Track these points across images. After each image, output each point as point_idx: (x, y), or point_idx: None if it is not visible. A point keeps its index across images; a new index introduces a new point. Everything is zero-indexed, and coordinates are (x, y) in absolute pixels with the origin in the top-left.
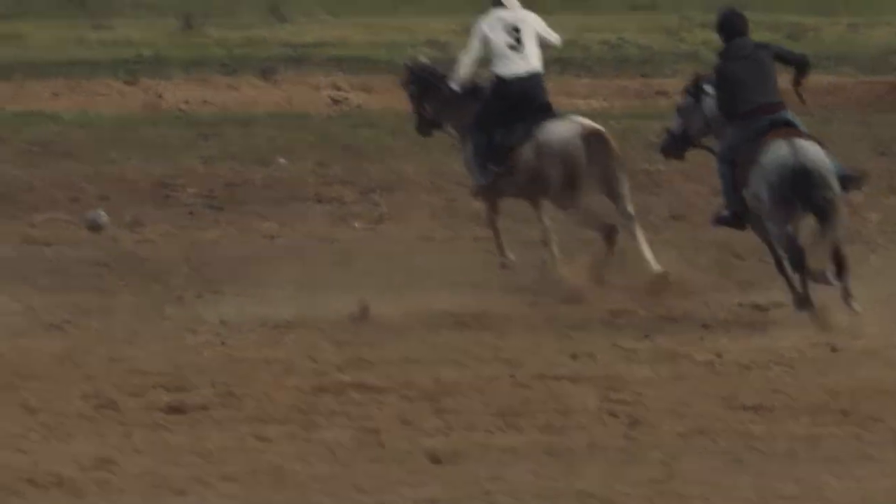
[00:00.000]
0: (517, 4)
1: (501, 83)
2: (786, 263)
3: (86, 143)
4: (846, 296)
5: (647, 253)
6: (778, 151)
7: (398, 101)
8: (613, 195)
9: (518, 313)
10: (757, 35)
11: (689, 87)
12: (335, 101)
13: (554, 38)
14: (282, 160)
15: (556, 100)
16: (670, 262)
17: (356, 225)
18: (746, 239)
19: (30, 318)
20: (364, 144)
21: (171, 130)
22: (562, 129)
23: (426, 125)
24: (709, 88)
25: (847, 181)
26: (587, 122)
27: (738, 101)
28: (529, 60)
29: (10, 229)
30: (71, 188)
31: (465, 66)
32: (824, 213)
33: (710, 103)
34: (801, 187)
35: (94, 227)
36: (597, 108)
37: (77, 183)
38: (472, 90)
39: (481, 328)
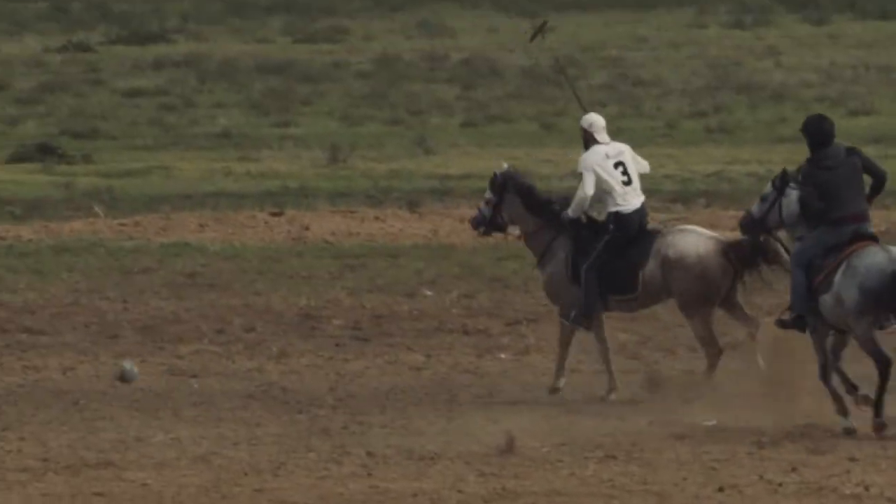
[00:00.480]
0: (608, 138)
1: (622, 217)
2: (829, 372)
3: (232, 274)
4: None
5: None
6: (875, 257)
7: None
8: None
9: (665, 445)
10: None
11: (775, 181)
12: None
13: (644, 165)
14: (428, 292)
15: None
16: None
17: (502, 356)
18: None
19: (176, 449)
20: (510, 276)
21: (317, 262)
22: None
23: (494, 228)
24: (793, 187)
25: None
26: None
27: (830, 208)
28: (639, 193)
29: (158, 360)
30: (217, 320)
31: (582, 203)
32: None
33: (788, 202)
34: None
35: (126, 378)
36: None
37: (223, 314)
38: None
39: (629, 460)
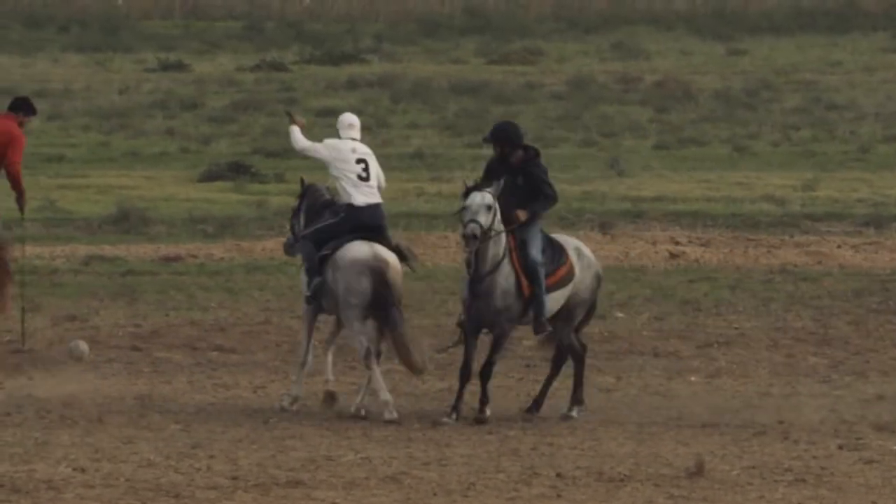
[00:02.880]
0: (357, 136)
1: (352, 209)
2: None
3: (424, 294)
4: None
5: (377, 382)
6: None
7: (737, 255)
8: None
9: (855, 469)
10: None
11: None
12: (672, 255)
13: (382, 179)
14: (619, 314)
15: (893, 256)
16: None
17: (692, 379)
18: None
19: (367, 469)
20: (701, 298)
21: None
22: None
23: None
24: None
25: None
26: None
27: None
28: (375, 193)
29: (349, 379)
30: None
31: (295, 140)
32: None
33: None
34: None
35: (74, 355)
36: None
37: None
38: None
39: (819, 484)
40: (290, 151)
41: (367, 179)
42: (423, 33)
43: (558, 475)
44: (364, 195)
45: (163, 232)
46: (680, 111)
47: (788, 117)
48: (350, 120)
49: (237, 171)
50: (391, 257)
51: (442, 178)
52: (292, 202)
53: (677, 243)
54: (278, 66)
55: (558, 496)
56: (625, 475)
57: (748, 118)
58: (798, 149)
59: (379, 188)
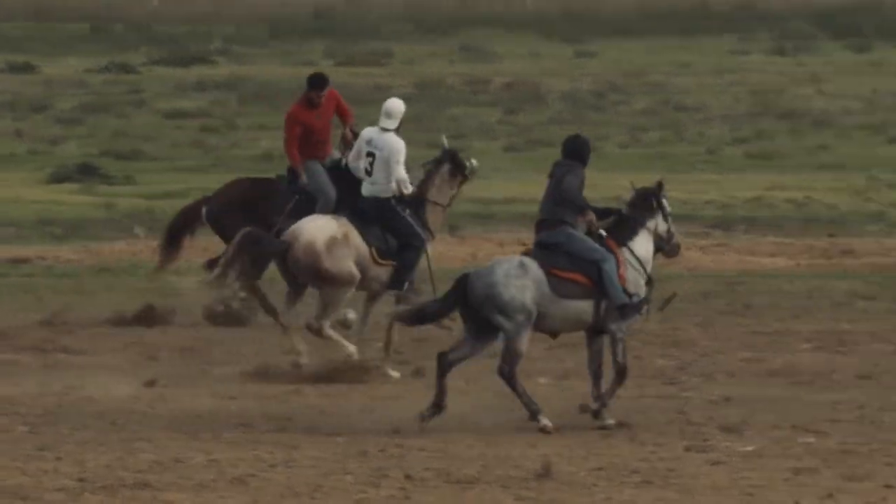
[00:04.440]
0: (391, 125)
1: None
2: None
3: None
4: None
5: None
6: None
7: None
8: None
9: (702, 471)
10: None
11: None
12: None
13: (399, 174)
14: None
15: (740, 258)
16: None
17: (541, 381)
18: None
19: (215, 471)
20: None
21: None
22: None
23: None
24: None
25: None
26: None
27: None
28: (374, 188)
29: (199, 384)
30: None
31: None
32: None
33: None
34: None
35: None
36: (782, 268)
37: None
38: None
39: (666, 486)
40: (139, 153)
41: (369, 174)
42: (271, 35)
43: (407, 477)
44: (365, 189)
45: (11, 234)
46: (529, 113)
47: (637, 119)
48: (386, 107)
49: (86, 172)
50: (308, 234)
51: None
52: (142, 204)
53: (525, 245)
54: (127, 68)
55: (407, 498)
56: (473, 477)
57: (597, 120)
58: (647, 150)
59: (395, 182)
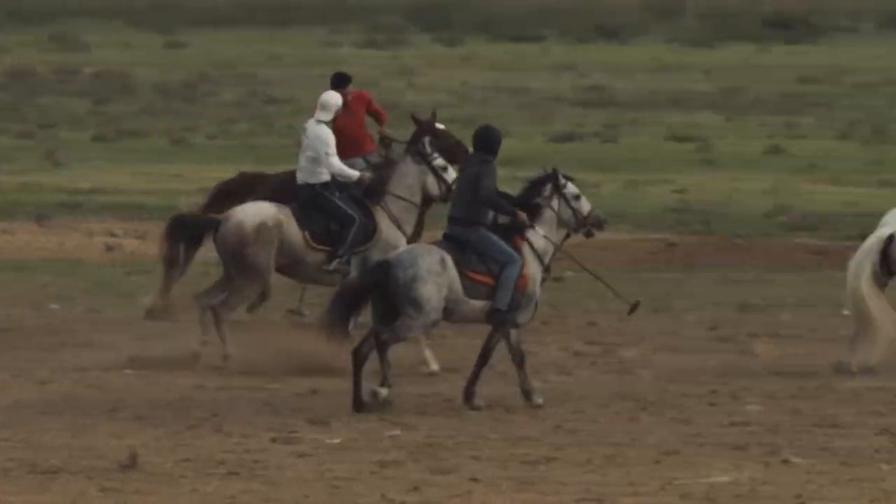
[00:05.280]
0: (325, 117)
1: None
2: None
3: None
4: None
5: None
6: None
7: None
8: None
9: (288, 463)
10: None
11: None
12: (109, 248)
13: (332, 164)
14: (54, 305)
15: None
16: None
17: (127, 372)
18: None
19: None
20: (137, 290)
21: None
22: None
23: None
24: None
25: None
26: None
27: None
28: (305, 173)
29: None
30: None
31: None
32: None
33: None
34: None
35: None
36: None
37: None
38: None
39: (251, 477)
40: None
41: (301, 163)
42: None
43: None
44: (297, 176)
45: None
46: (119, 103)
47: (227, 111)
48: (321, 100)
49: None
50: (239, 216)
51: None
52: None
53: (114, 235)
54: None
55: None
56: (58, 467)
57: (187, 111)
58: (236, 142)
59: (328, 169)
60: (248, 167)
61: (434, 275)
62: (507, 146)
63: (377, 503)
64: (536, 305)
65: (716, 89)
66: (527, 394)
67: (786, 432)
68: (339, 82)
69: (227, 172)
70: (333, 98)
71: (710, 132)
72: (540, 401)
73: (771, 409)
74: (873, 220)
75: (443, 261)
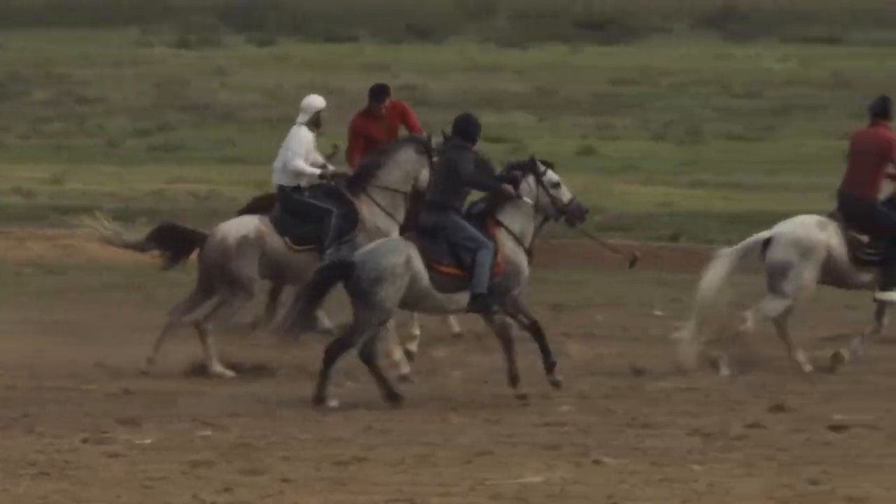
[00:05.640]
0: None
1: None
2: None
3: None
4: None
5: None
6: None
7: None
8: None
9: (100, 463)
10: None
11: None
12: None
13: (289, 161)
14: None
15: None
16: None
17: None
18: None
19: None
20: None
21: None
22: None
23: None
24: None
25: None
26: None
27: None
28: (277, 175)
29: None
30: None
31: None
32: None
33: None
34: None
35: None
36: None
37: None
38: None
39: (62, 478)
40: None
41: (275, 164)
42: None
43: None
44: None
45: None
46: None
47: (39, 110)
48: (302, 103)
49: None
50: (222, 231)
51: None
52: None
53: None
54: None
55: None
56: None
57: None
58: (48, 142)
59: (292, 172)
60: (61, 167)
61: (396, 277)
62: (320, 148)
63: (189, 503)
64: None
65: (529, 89)
66: (513, 379)
67: (598, 432)
68: (378, 94)
69: (40, 172)
70: (313, 101)
71: (524, 132)
72: (524, 391)
73: (583, 410)
74: (686, 219)
75: (408, 260)
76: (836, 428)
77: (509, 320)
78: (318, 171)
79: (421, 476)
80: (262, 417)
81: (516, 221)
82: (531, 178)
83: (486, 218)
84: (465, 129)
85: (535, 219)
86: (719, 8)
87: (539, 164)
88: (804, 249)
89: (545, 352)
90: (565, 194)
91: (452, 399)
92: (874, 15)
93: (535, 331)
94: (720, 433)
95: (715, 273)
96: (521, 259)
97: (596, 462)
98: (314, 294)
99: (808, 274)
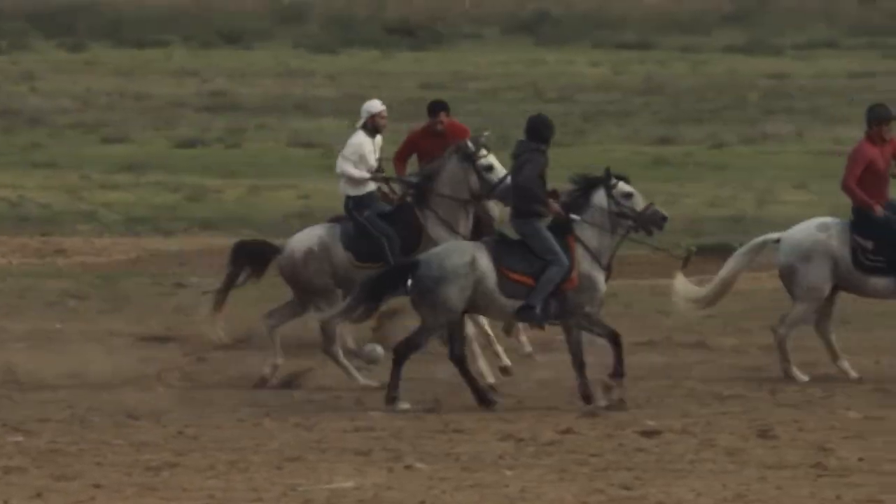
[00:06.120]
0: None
1: None
2: None
3: None
4: None
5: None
6: None
7: None
8: None
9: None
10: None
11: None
12: None
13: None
14: None
15: None
16: None
17: None
18: None
19: None
20: None
21: None
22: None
23: None
24: None
25: None
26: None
27: None
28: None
29: None
30: None
31: None
32: None
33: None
34: None
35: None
36: None
37: None
38: None
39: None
40: None
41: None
42: None
43: None
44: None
45: None
46: None
47: None
48: (362, 108)
49: None
50: (291, 244)
51: None
52: None
53: None
54: None
55: None
56: None
57: None
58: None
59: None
60: None
61: (459, 277)
62: (128, 152)
63: None
64: (602, 303)
65: (340, 95)
66: (586, 399)
67: (409, 437)
68: (432, 110)
69: None
70: (368, 105)
71: (334, 138)
72: (603, 403)
73: (394, 415)
74: None
75: (473, 262)
76: (649, 434)
77: (578, 335)
78: (366, 174)
79: (232, 482)
80: (73, 423)
81: (594, 238)
82: (601, 192)
83: (566, 232)
84: (538, 131)
85: (611, 234)
86: (531, 13)
87: (611, 176)
88: (804, 251)
89: (619, 363)
90: (639, 203)
91: (265, 404)
92: (684, 21)
93: (615, 343)
94: (532, 439)
95: (726, 270)
96: (597, 276)
97: (408, 467)
98: (376, 287)
99: (813, 275)
